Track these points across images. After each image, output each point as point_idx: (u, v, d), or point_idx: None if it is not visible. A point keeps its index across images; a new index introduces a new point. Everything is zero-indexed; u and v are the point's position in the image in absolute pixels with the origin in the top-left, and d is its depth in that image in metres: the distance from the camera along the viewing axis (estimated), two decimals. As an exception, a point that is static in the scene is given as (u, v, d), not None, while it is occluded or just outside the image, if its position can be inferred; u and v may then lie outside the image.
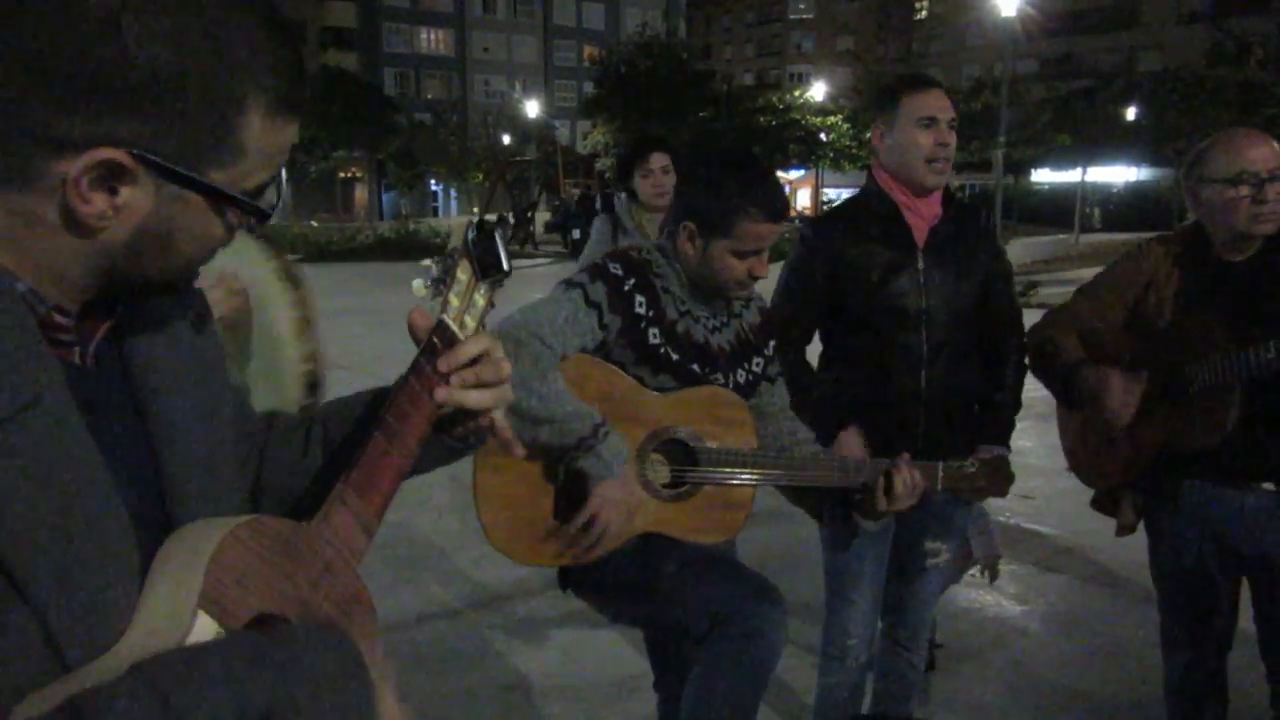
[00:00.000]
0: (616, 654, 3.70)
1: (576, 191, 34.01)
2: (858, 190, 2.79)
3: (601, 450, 2.06)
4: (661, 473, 2.21)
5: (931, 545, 2.76)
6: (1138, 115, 36.50)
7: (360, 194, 55.70)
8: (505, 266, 1.09)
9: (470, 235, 1.09)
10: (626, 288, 2.19)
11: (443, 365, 1.05)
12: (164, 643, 0.81)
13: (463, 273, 1.08)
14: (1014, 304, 2.76)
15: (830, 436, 2.50)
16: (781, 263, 2.72)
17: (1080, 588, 4.51)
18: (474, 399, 1.08)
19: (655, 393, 2.20)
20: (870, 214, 2.63)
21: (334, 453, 1.16)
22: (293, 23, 0.93)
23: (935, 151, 2.53)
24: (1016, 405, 2.71)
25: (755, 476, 2.23)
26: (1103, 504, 2.74)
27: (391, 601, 4.14)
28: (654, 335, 2.20)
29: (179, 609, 0.83)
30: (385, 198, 54.43)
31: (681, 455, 2.20)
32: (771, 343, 2.43)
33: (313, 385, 1.59)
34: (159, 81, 0.80)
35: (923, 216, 2.60)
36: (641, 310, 2.19)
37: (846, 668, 2.75)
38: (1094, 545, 4.74)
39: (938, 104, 2.54)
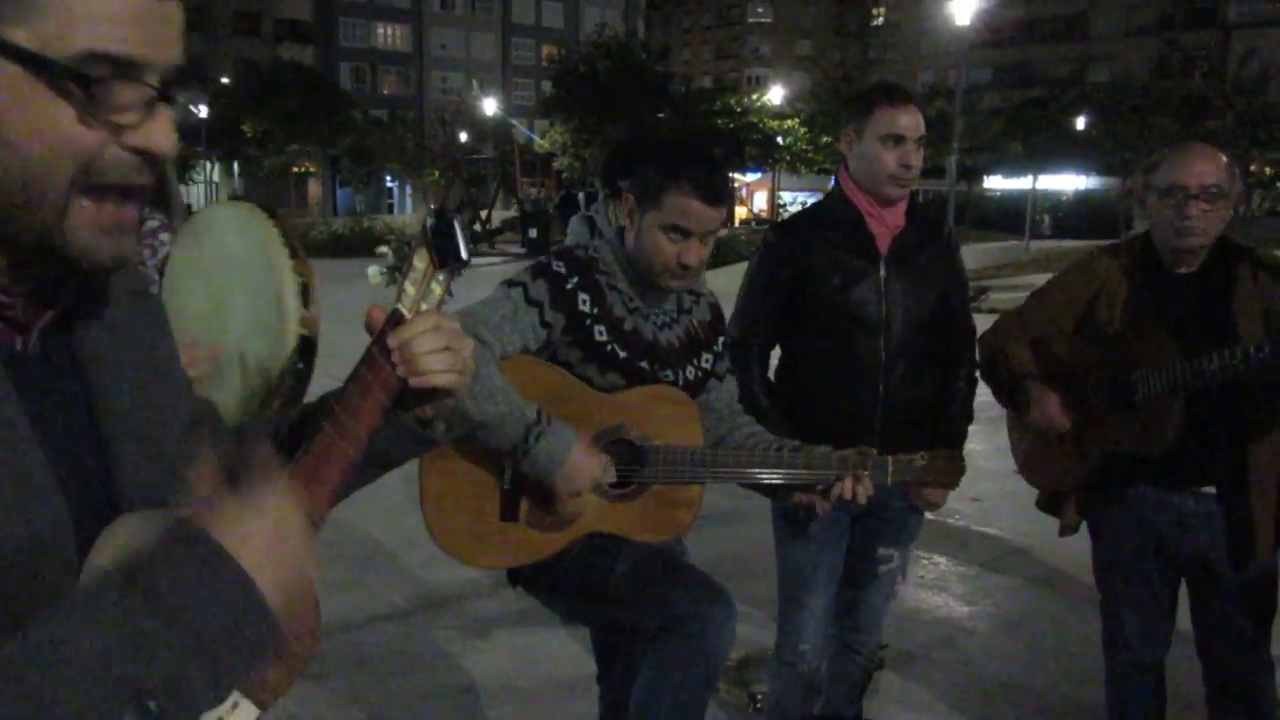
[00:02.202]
0: (568, 655, 3.69)
1: (532, 190, 33.91)
2: (814, 194, 2.81)
3: (536, 454, 2.05)
4: (609, 472, 2.20)
5: (884, 551, 2.78)
6: (1087, 125, 37.17)
7: (314, 190, 55.00)
8: (464, 255, 1.07)
9: (429, 223, 1.07)
10: (569, 286, 2.18)
11: (392, 341, 1.03)
12: None
13: (420, 261, 1.06)
14: (968, 316, 2.79)
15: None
16: (732, 265, 2.74)
17: (1026, 588, 4.58)
18: (427, 364, 1.05)
19: (601, 392, 2.20)
20: (834, 220, 2.65)
21: (281, 447, 1.14)
22: None
23: (900, 171, 2.55)
24: (968, 415, 2.75)
25: (703, 475, 2.22)
26: (1047, 504, 2.80)
27: (342, 603, 4.09)
28: (600, 333, 2.19)
29: None
30: (340, 194, 53.80)
31: (629, 455, 2.19)
32: (721, 339, 2.43)
33: (306, 349, 1.58)
34: None
35: (886, 225, 2.62)
36: (585, 308, 2.19)
37: (799, 672, 2.76)
38: (1040, 547, 4.82)
39: (909, 121, 2.54)
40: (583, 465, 2.07)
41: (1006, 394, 2.70)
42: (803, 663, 2.74)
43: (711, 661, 2.11)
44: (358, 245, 24.57)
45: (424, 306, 1.06)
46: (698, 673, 2.10)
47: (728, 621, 2.12)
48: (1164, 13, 53.04)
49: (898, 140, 2.53)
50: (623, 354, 2.21)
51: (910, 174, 2.57)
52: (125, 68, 0.78)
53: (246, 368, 1.61)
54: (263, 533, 0.80)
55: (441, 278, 1.08)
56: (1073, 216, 39.90)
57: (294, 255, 1.60)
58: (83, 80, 0.76)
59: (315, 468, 0.99)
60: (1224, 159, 2.44)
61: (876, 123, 2.54)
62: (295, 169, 50.12)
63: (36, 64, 0.74)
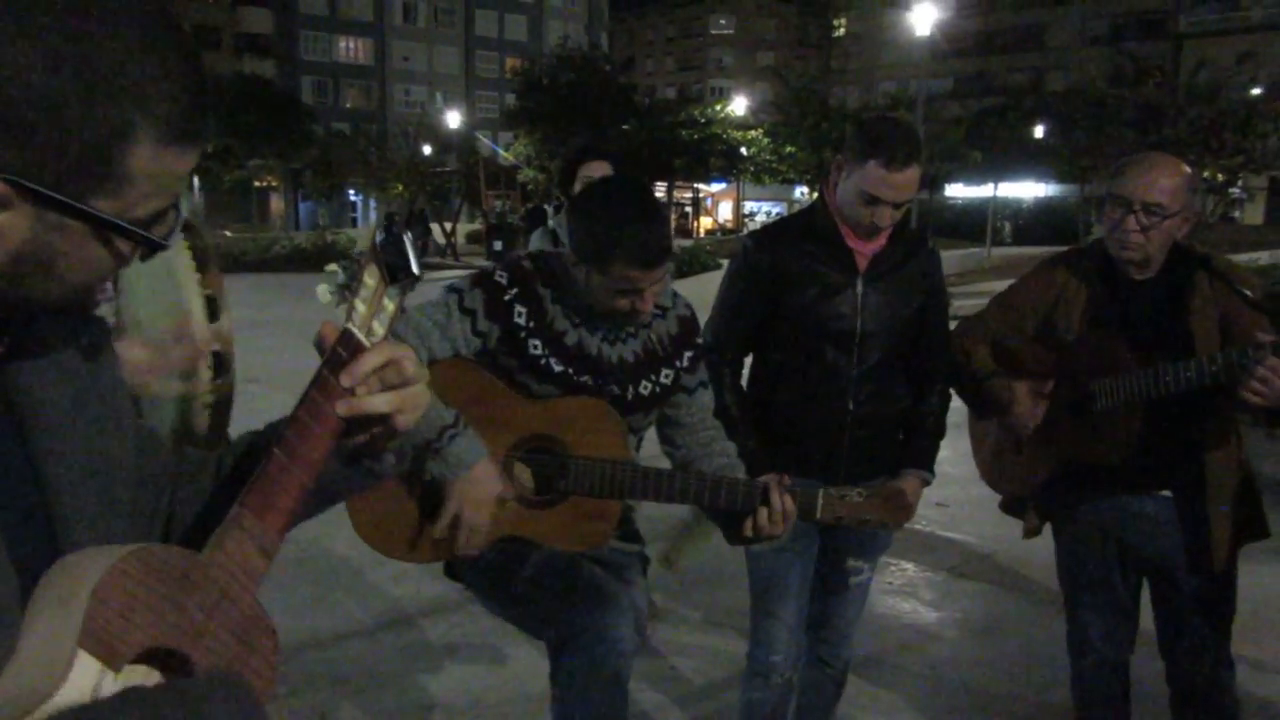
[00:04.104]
0: (536, 668, 3.65)
1: (497, 203, 33.83)
2: (778, 203, 2.80)
3: (448, 454, 2.04)
4: (527, 478, 2.20)
5: (854, 563, 2.77)
6: (1046, 133, 37.69)
7: (276, 204, 54.49)
8: (415, 270, 1.06)
9: (378, 238, 1.06)
10: (507, 297, 2.19)
11: (345, 379, 1.01)
12: (40, 683, 0.77)
13: (370, 277, 1.04)
14: (945, 334, 2.74)
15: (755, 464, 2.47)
16: (699, 275, 2.72)
17: (993, 593, 4.62)
18: (379, 403, 1.03)
19: (528, 400, 2.20)
20: (814, 232, 2.60)
21: (233, 473, 1.12)
22: (194, 46, 0.89)
23: (870, 226, 2.50)
24: (940, 431, 2.73)
25: (619, 491, 2.20)
26: (1010, 508, 2.82)
27: (308, 621, 4.04)
28: (534, 346, 2.20)
29: (57, 647, 0.79)
30: (302, 208, 53.36)
31: (548, 463, 2.19)
32: (689, 354, 2.39)
33: (221, 365, 1.55)
34: (33, 107, 0.77)
35: (867, 245, 2.58)
36: (521, 320, 2.19)
37: (771, 685, 2.74)
38: (1006, 552, 4.87)
39: (895, 184, 2.42)
40: (485, 477, 2.06)
41: (969, 396, 2.71)
42: (775, 674, 2.73)
43: (610, 670, 2.10)
44: (320, 259, 24.33)
45: (376, 325, 1.04)
46: (603, 684, 2.10)
47: (621, 628, 2.12)
48: (1117, 23, 54.02)
49: (874, 200, 2.45)
50: (558, 368, 2.21)
51: (878, 231, 2.52)
52: (170, 208, 0.90)
53: (152, 389, 1.58)
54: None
55: (393, 294, 1.06)
56: (1033, 223, 40.46)
57: (202, 269, 1.57)
58: (138, 237, 0.87)
59: (267, 497, 0.97)
60: (1180, 176, 2.42)
61: (863, 175, 2.44)
62: (257, 183, 49.64)
63: (113, 228, 0.85)
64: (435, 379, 2.04)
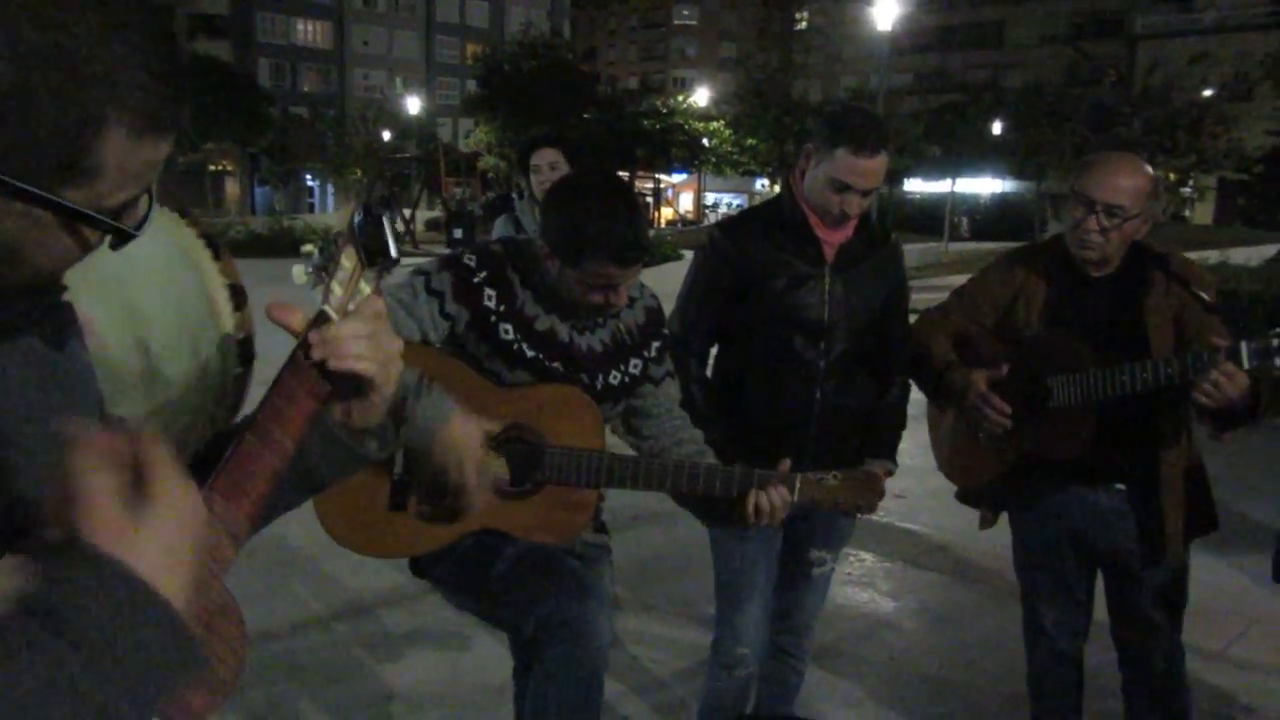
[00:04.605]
0: (495, 659, 3.65)
1: (457, 190, 33.58)
2: (739, 195, 2.80)
3: (417, 415, 1.92)
4: (502, 468, 2.17)
5: (816, 554, 2.79)
6: (1003, 130, 38.14)
7: (231, 188, 53.69)
8: (393, 253, 1.04)
9: (356, 220, 1.04)
10: (477, 280, 2.16)
11: (316, 341, 0.99)
12: None
13: (347, 260, 1.02)
14: (906, 327, 2.76)
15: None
16: (661, 266, 2.71)
17: (949, 583, 4.67)
18: (354, 362, 1.01)
19: (500, 388, 2.17)
20: (782, 222, 2.60)
21: (204, 456, 1.09)
22: (170, 31, 0.87)
23: (839, 214, 2.51)
24: (902, 422, 2.76)
25: (598, 480, 2.18)
26: (966, 498, 2.85)
27: (264, 611, 3.99)
28: (506, 330, 2.17)
29: None
30: (258, 193, 52.62)
31: (524, 453, 2.16)
32: (656, 344, 2.39)
33: (245, 354, 1.52)
34: (1, 98, 0.76)
35: (834, 234, 2.59)
36: (490, 304, 2.16)
37: (735, 675, 2.75)
38: (963, 542, 4.92)
39: (864, 171, 2.43)
40: (461, 433, 1.94)
41: (929, 386, 2.73)
42: (740, 666, 2.73)
43: (589, 663, 2.09)
44: (278, 246, 23.99)
45: (353, 308, 1.02)
46: (580, 677, 2.09)
47: (599, 621, 2.10)
48: (1075, 23, 54.77)
49: (844, 188, 2.46)
50: (530, 353, 2.18)
51: (846, 219, 2.53)
52: (142, 196, 0.89)
53: (171, 383, 1.54)
54: (159, 537, 0.75)
55: (370, 276, 1.04)
56: (990, 219, 40.96)
57: (218, 256, 1.54)
58: (108, 227, 0.86)
59: (237, 481, 0.95)
60: (1143, 179, 2.44)
61: (833, 163, 2.45)
62: (211, 167, 48.87)
63: (82, 219, 0.84)
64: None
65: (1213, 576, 3.13)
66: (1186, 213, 45.77)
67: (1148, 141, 29.61)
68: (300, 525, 2.30)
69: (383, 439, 1.12)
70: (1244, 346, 2.19)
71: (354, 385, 1.04)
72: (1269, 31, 23.92)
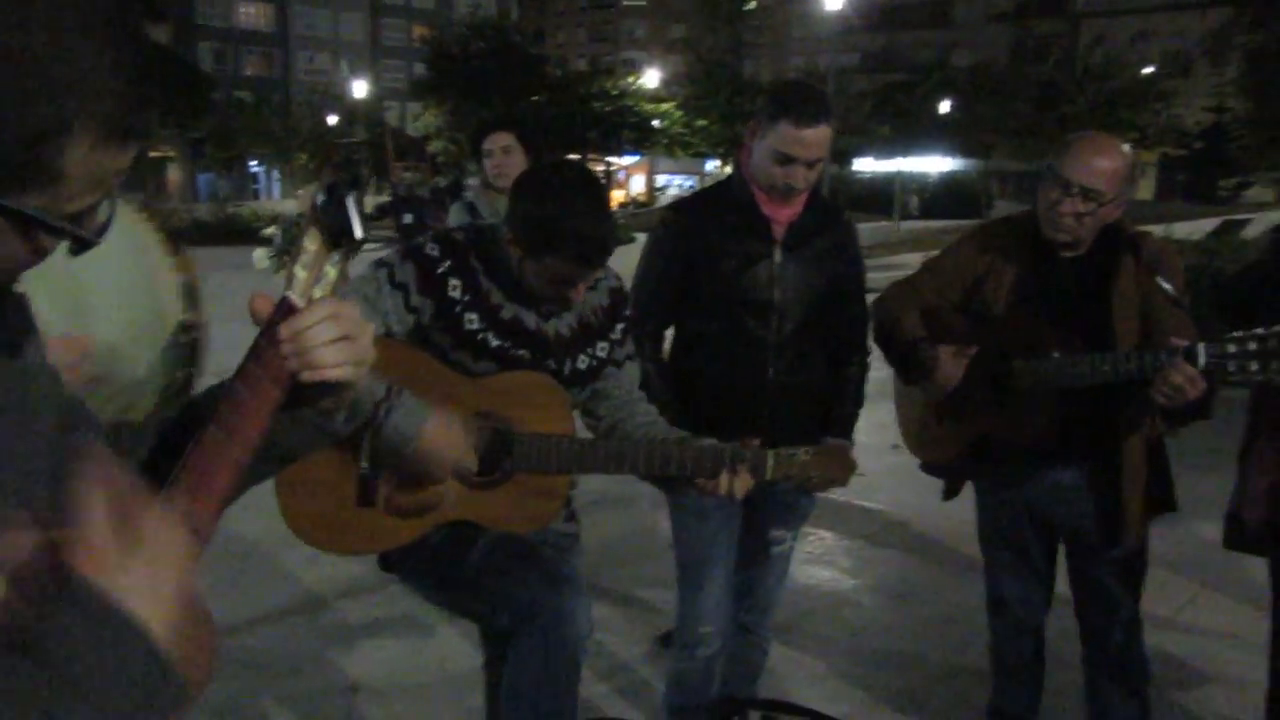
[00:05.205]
0: (456, 649, 3.63)
1: (407, 175, 33.21)
2: (691, 177, 2.79)
3: (387, 431, 1.90)
4: (469, 459, 2.12)
5: (776, 533, 2.80)
6: (952, 109, 38.52)
7: (174, 175, 52.54)
8: (359, 234, 1.00)
9: (319, 200, 1.00)
10: (440, 270, 2.12)
11: (284, 332, 0.95)
12: None
13: (311, 242, 0.98)
14: (862, 301, 2.78)
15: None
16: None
17: (908, 559, 4.72)
18: (323, 356, 0.97)
19: (467, 377, 2.13)
20: (731, 202, 2.61)
21: (165, 446, 1.05)
22: (142, 33, 0.84)
23: (784, 187, 2.51)
24: (859, 401, 2.77)
25: (570, 465, 2.16)
26: (933, 469, 2.86)
27: (222, 606, 3.89)
28: (471, 320, 2.13)
29: None
30: (201, 179, 51.56)
31: (494, 441, 2.12)
32: (619, 326, 2.37)
33: (192, 356, 1.47)
34: None
35: (783, 212, 2.59)
36: (456, 294, 2.12)
37: (698, 656, 2.75)
38: (921, 519, 4.98)
39: (806, 142, 2.45)
40: (441, 438, 1.92)
41: (898, 360, 2.73)
42: (703, 645, 2.74)
43: (567, 653, 2.09)
44: (222, 233, 23.56)
45: (317, 293, 0.98)
46: (557, 666, 2.08)
47: (577, 610, 2.09)
48: (1020, 1, 55.36)
49: (788, 160, 2.47)
50: (496, 342, 2.15)
51: (793, 192, 2.53)
52: (103, 201, 0.86)
53: (115, 380, 1.48)
54: (143, 569, 0.75)
55: (335, 259, 1.00)
56: (939, 197, 41.34)
57: (175, 252, 1.48)
58: (65, 233, 0.84)
59: (201, 476, 0.91)
60: (1123, 162, 2.42)
61: (777, 135, 2.46)
62: (153, 153, 47.75)
63: (42, 226, 0.81)
64: None
65: (1164, 545, 3.20)
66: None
67: (1092, 119, 30.06)
68: (255, 519, 2.27)
69: (350, 413, 1.09)
70: (1200, 349, 2.22)
71: (327, 388, 1.01)
72: (1206, 10, 24.33)
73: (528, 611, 2.07)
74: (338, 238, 0.99)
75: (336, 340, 0.98)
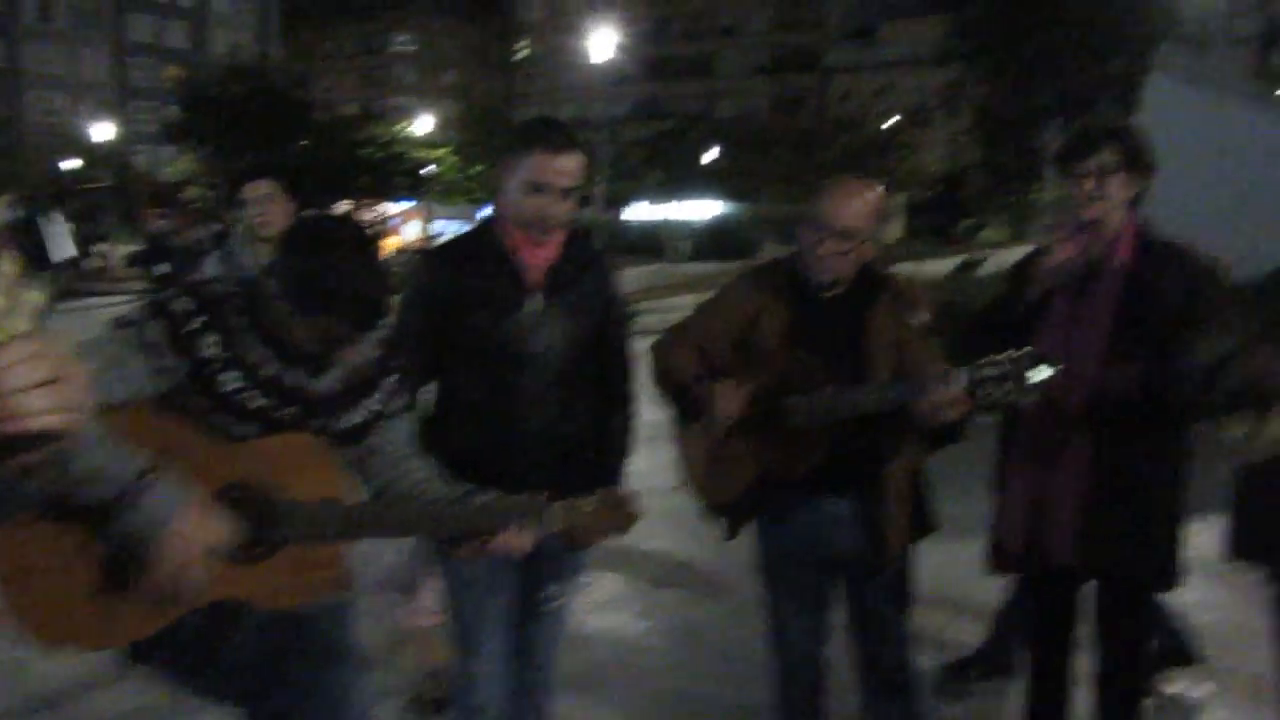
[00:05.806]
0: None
1: (161, 223, 31.20)
2: (468, 223, 2.72)
3: (138, 514, 1.73)
4: (231, 534, 1.93)
5: (551, 589, 2.72)
6: (719, 156, 40.35)
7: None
8: (72, 252, 0.85)
9: (10, 217, 0.84)
10: (193, 326, 1.93)
11: None
12: None
13: (6, 264, 0.86)
14: (626, 349, 2.76)
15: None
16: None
17: (693, 600, 4.75)
18: (24, 403, 0.83)
19: (224, 443, 1.95)
20: (485, 250, 2.54)
21: None
22: None
23: (541, 223, 2.47)
24: (626, 448, 2.75)
25: (345, 533, 2.01)
26: (715, 510, 2.88)
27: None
28: (229, 380, 1.96)
29: None
30: (-81, 229, 46.54)
31: (256, 512, 1.94)
32: (392, 377, 2.23)
33: None
34: None
35: (539, 256, 2.54)
36: (212, 352, 1.94)
37: None
38: (701, 559, 5.03)
39: (560, 169, 2.43)
40: (190, 530, 1.77)
41: (676, 398, 2.74)
42: (481, 716, 2.62)
43: None
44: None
45: (18, 321, 0.85)
46: None
47: (354, 686, 2.00)
48: (776, 55, 58.93)
49: (540, 189, 2.44)
50: (259, 402, 1.99)
51: (549, 224, 2.49)
52: None
53: None
54: None
55: (41, 283, 0.85)
56: (710, 241, 43.02)
57: None
58: None
59: None
60: (875, 201, 2.59)
61: (529, 166, 2.43)
62: None
63: None
64: (112, 430, 1.72)
65: (930, 568, 3.36)
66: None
67: (844, 165, 32.25)
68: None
69: (49, 480, 0.93)
70: (962, 372, 2.36)
71: (28, 441, 0.85)
72: (944, 66, 26.79)
73: (301, 693, 1.93)
74: (39, 258, 0.84)
75: (40, 384, 0.84)
